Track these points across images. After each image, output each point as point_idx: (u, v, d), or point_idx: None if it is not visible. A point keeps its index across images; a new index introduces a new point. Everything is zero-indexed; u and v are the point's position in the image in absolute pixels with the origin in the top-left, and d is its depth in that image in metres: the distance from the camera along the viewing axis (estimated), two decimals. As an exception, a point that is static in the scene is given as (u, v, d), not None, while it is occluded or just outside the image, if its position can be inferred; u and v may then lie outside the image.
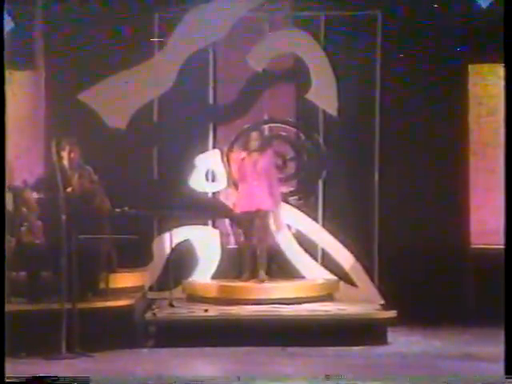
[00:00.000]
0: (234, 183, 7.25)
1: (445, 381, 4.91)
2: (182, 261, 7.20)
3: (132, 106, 7.27)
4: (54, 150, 6.10)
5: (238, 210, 7.03)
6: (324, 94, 7.38)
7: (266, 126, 7.54)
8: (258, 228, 6.89)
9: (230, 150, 7.56)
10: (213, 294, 6.99)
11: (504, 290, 4.59)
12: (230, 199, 7.37)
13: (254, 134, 7.03)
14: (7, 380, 4.51)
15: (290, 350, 6.03)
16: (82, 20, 7.27)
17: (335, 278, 7.34)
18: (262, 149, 6.99)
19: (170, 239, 6.95)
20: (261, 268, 6.94)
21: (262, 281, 6.91)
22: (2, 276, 4.85)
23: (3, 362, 4.60)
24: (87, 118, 7.16)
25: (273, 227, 7.12)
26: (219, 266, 7.42)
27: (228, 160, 7.37)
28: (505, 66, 4.84)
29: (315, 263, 7.46)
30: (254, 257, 6.98)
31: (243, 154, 6.98)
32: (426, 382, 5.00)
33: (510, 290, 4.58)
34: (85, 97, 7.22)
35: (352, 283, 7.34)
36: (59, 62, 7.34)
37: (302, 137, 7.62)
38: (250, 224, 6.93)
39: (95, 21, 7.27)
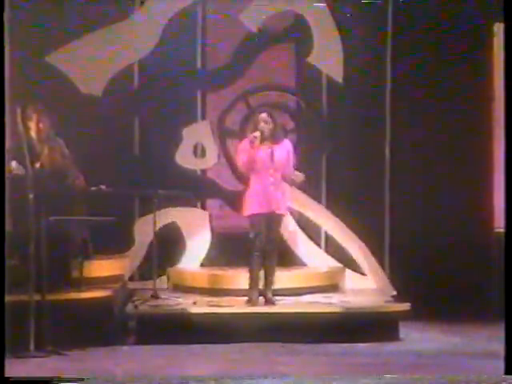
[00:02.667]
0: (240, 176, 6.82)
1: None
2: (167, 246, 7.13)
3: (109, 70, 7.20)
4: (19, 119, 6.01)
5: (247, 213, 6.28)
6: (328, 58, 7.32)
7: (263, 94, 7.48)
8: (270, 236, 6.24)
9: (222, 121, 7.49)
10: (202, 283, 6.96)
11: (504, 287, 4.66)
12: (222, 177, 7.30)
13: (264, 116, 6.24)
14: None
15: (290, 346, 5.98)
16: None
17: (340, 265, 7.33)
18: (277, 136, 6.28)
19: (153, 222, 6.86)
20: (268, 288, 6.36)
21: (272, 303, 6.34)
22: (2, 275, 4.89)
23: (3, 361, 4.68)
24: (57, 84, 7.08)
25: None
26: (209, 253, 7.39)
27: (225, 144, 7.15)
28: (505, 23, 4.75)
29: (318, 249, 7.44)
30: (260, 269, 6.31)
31: (254, 142, 6.16)
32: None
33: (510, 286, 4.63)
34: (54, 59, 7.13)
35: (359, 272, 7.31)
36: (25, 18, 7.22)
37: (303, 106, 7.55)
38: (261, 229, 6.21)
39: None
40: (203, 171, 7.56)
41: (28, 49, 7.20)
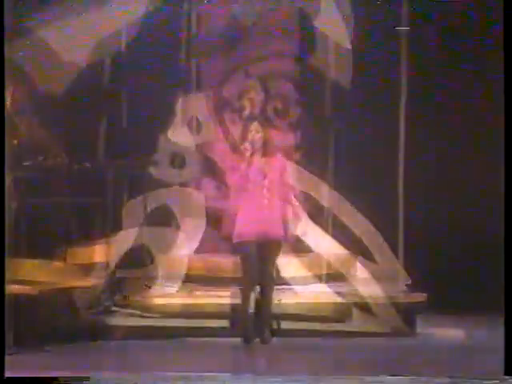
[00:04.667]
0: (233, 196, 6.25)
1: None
2: (158, 230, 7.12)
3: (94, 36, 7.14)
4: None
5: (236, 239, 5.92)
6: (336, 21, 7.23)
7: (264, 62, 7.44)
8: (264, 268, 5.85)
9: (219, 93, 7.47)
10: (197, 271, 6.96)
11: (504, 286, 4.74)
12: (219, 154, 7.27)
13: (255, 125, 5.94)
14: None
15: (293, 341, 6.00)
16: None
17: (349, 252, 7.27)
18: (270, 147, 5.90)
19: (143, 203, 6.86)
20: (265, 325, 6.00)
21: (267, 342, 5.99)
22: (2, 273, 4.94)
23: (3, 361, 4.76)
24: (36, 51, 7.00)
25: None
26: (205, 237, 7.34)
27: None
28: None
29: (324, 234, 7.38)
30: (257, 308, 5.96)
31: (242, 155, 5.89)
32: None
33: (510, 285, 4.73)
34: (33, 23, 7.04)
35: (370, 259, 7.26)
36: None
37: (308, 75, 7.48)
38: (253, 259, 5.84)
39: None
40: (198, 147, 7.51)
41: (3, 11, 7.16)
